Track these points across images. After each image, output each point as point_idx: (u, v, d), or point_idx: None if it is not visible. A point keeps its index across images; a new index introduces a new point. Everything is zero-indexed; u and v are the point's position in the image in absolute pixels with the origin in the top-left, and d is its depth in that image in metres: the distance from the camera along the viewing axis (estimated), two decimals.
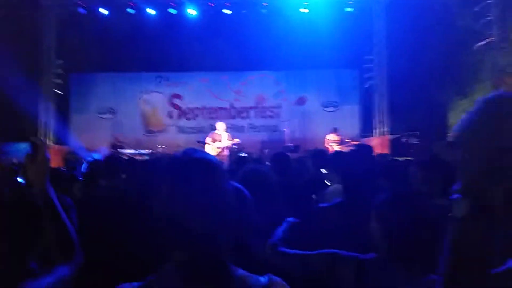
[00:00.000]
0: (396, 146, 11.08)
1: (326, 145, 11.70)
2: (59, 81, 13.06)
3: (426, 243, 1.60)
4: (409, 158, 7.47)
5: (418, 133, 11.10)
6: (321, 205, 2.53)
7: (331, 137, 11.90)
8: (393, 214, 1.65)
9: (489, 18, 11.14)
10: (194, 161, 1.13)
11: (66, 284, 1.46)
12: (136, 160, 5.09)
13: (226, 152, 10.81)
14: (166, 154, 11.08)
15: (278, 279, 1.16)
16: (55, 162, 9.85)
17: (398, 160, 5.84)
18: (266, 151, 11.83)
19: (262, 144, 13.26)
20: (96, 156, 6.20)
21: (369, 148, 2.64)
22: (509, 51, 11.25)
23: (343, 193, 2.48)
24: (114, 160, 4.12)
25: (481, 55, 11.98)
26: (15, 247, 1.45)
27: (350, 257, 1.68)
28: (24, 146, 9.81)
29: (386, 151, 11.11)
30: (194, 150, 1.20)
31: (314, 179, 3.83)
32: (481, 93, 12.85)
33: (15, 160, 7.36)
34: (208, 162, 1.15)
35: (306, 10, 13.07)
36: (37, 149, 1.55)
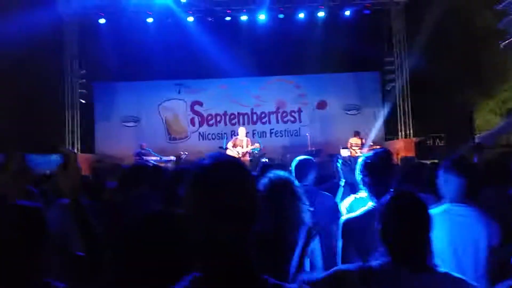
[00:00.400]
0: (421, 148, 10.89)
1: (349, 148, 11.61)
2: (83, 90, 13.36)
3: (422, 242, 1.59)
4: (435, 161, 7.33)
5: (444, 135, 10.88)
6: (348, 217, 2.49)
7: (354, 140, 11.81)
8: (389, 216, 1.65)
9: (511, 17, 10.87)
10: (223, 165, 1.09)
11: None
12: (162, 167, 5.14)
13: (247, 157, 10.84)
14: (190, 161, 11.20)
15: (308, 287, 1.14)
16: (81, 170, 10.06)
17: (425, 163, 5.73)
18: (288, 156, 11.79)
19: (284, 149, 13.22)
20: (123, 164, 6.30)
21: (387, 153, 2.59)
22: None
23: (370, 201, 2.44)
24: (140, 169, 4.17)
25: (504, 54, 11.69)
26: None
27: (354, 270, 1.63)
28: (55, 157, 10.08)
29: (411, 153, 10.93)
30: (221, 154, 1.16)
31: (337, 184, 3.78)
32: (508, 93, 12.56)
33: (47, 172, 7.58)
34: (238, 166, 1.11)
35: (323, 14, 13.03)
36: (69, 160, 1.58)
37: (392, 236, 1.62)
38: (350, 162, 3.44)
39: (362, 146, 11.53)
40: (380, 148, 2.90)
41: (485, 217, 2.34)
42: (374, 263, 1.61)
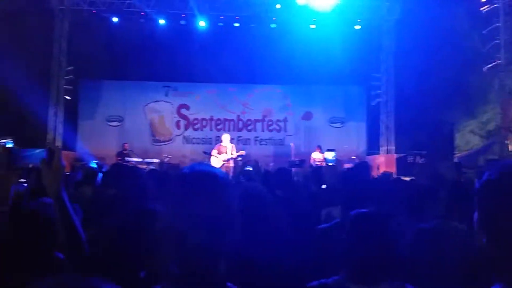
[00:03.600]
0: (402, 164, 11.04)
1: (311, 163, 11.68)
2: (69, 87, 13.20)
3: (383, 260, 1.63)
4: (413, 178, 7.45)
5: (425, 152, 11.07)
6: (320, 226, 2.54)
7: (316, 155, 11.88)
8: (353, 233, 1.70)
9: (497, 41, 11.19)
10: (201, 176, 1.13)
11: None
12: (142, 170, 5.13)
13: (231, 164, 10.84)
14: (172, 164, 11.15)
15: None
16: None
17: (402, 179, 5.83)
18: (271, 164, 11.84)
19: (267, 157, 13.27)
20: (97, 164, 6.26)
21: (366, 166, 2.66)
22: None
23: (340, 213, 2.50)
24: (119, 169, 4.16)
25: (489, 77, 12.01)
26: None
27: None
28: (39, 151, 9.97)
29: (392, 169, 11.07)
30: (202, 165, 1.19)
31: (316, 195, 3.84)
32: (489, 115, 12.88)
33: (30, 165, 7.50)
34: (215, 178, 1.14)
35: (314, 26, 13.20)
36: (53, 155, 1.59)
37: (347, 252, 1.67)
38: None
39: (324, 160, 11.60)
40: (358, 162, 2.98)
41: (466, 233, 2.42)
42: (330, 279, 1.65)
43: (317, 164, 11.31)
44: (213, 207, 1.08)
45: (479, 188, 1.06)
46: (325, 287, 1.64)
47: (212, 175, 1.15)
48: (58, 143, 12.69)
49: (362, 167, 2.60)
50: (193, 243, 1.06)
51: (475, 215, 1.08)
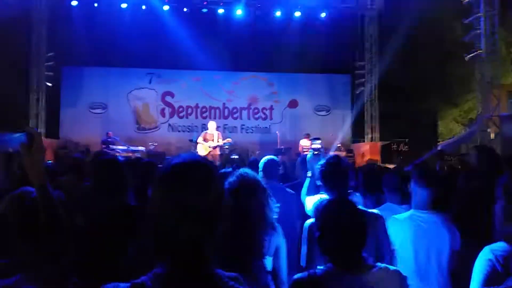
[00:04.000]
0: (386, 152, 11.21)
1: (300, 150, 11.76)
2: (50, 73, 12.91)
3: (358, 245, 1.70)
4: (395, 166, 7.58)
5: (408, 140, 11.25)
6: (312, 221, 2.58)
7: (304, 142, 11.95)
8: (324, 223, 1.76)
9: (478, 31, 11.35)
10: (189, 166, 1.13)
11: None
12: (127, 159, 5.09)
13: (218, 152, 10.83)
14: (158, 152, 11.08)
15: None
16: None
17: (385, 168, 5.92)
18: (257, 152, 11.87)
19: (253, 145, 13.30)
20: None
21: (337, 158, 2.73)
22: (498, 63, 11.48)
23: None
24: (101, 158, 4.11)
25: (470, 66, 12.20)
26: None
27: (304, 278, 1.70)
28: (18, 135, 9.74)
29: (377, 157, 11.24)
30: (190, 155, 1.19)
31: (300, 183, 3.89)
32: (470, 103, 13.12)
33: (10, 150, 7.35)
34: (205, 167, 1.14)
35: (299, 14, 13.16)
36: (33, 139, 1.56)
37: (328, 242, 1.72)
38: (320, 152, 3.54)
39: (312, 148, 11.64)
40: (331, 154, 3.04)
41: (448, 223, 2.49)
42: (319, 270, 1.70)
43: (305, 152, 11.37)
44: (204, 198, 1.08)
45: (506, 182, 1.09)
46: (314, 277, 1.67)
47: (202, 165, 1.14)
48: (41, 130, 12.46)
49: (335, 160, 2.67)
50: (183, 236, 1.06)
51: (498, 206, 1.12)
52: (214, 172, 1.15)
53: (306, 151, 11.30)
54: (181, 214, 1.05)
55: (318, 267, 1.72)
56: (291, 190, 3.58)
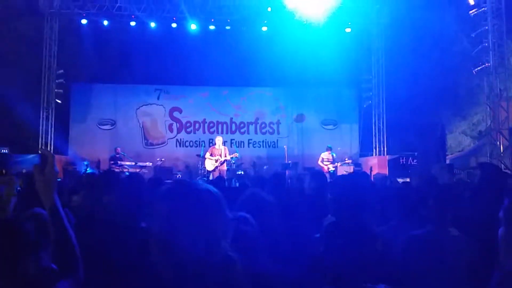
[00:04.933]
0: (394, 166, 11.12)
1: (319, 163, 11.74)
2: (59, 90, 13.10)
3: (361, 265, 1.64)
4: (407, 180, 7.52)
5: (416, 153, 11.16)
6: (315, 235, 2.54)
7: (325, 155, 11.94)
8: (331, 238, 1.72)
9: (485, 44, 11.34)
10: (193, 192, 1.15)
11: None
12: (133, 175, 5.10)
13: (225, 167, 10.84)
14: (165, 168, 11.10)
15: None
16: None
17: (397, 182, 5.88)
18: (265, 167, 11.85)
19: (261, 159, 13.28)
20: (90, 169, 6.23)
21: (365, 175, 2.69)
22: (505, 76, 11.43)
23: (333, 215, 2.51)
24: (110, 175, 4.13)
25: (478, 79, 12.16)
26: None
27: None
28: (32, 157, 9.90)
29: (385, 170, 11.15)
30: (191, 182, 1.21)
31: (312, 198, 3.85)
32: (479, 116, 13.02)
33: (24, 171, 7.46)
34: (207, 194, 1.17)
35: (306, 29, 13.24)
36: (46, 161, 1.57)
37: (330, 256, 1.68)
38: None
39: (333, 161, 11.68)
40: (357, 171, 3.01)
41: (463, 237, 2.45)
42: None
43: (325, 165, 11.40)
44: (207, 221, 1.10)
45: (508, 206, 1.08)
46: None
47: (204, 192, 1.17)
48: (50, 147, 12.59)
49: (360, 177, 2.63)
50: (188, 255, 1.07)
51: (502, 231, 1.10)
52: (218, 198, 1.18)
53: (327, 165, 11.32)
54: (187, 235, 1.08)
55: None
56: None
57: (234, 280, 1.11)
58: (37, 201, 1.63)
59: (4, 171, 8.40)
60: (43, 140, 12.51)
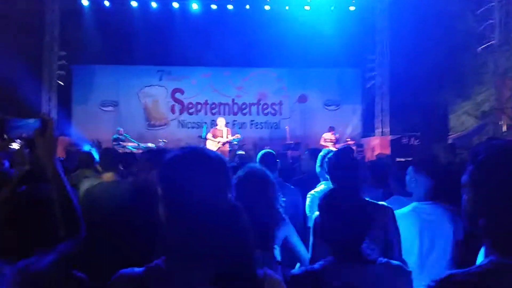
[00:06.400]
0: (396, 146, 11.10)
1: (322, 143, 11.72)
2: (61, 72, 13.08)
3: (360, 237, 1.66)
4: (409, 159, 7.50)
5: (419, 133, 11.13)
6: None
7: (327, 135, 11.92)
8: (325, 213, 1.73)
9: (491, 21, 11.15)
10: (201, 157, 1.17)
11: (68, 261, 1.49)
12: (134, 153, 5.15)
13: (227, 148, 10.86)
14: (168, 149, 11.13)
15: (271, 272, 1.19)
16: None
17: (400, 161, 5.87)
18: (267, 147, 11.85)
19: (263, 141, 13.29)
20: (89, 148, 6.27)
21: (350, 150, 2.71)
22: (510, 54, 11.27)
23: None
24: (110, 153, 4.16)
25: (483, 58, 12.00)
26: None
27: (301, 275, 1.66)
28: (32, 122, 9.93)
29: (387, 151, 11.14)
30: (199, 148, 1.23)
31: (309, 176, 3.87)
32: (483, 96, 12.91)
33: (24, 134, 7.57)
34: (217, 160, 1.19)
35: (309, 8, 13.07)
36: (47, 125, 1.59)
37: (328, 231, 1.69)
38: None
39: (336, 141, 11.66)
40: (343, 145, 3.05)
41: (451, 213, 2.47)
42: (317, 264, 1.67)
43: (327, 145, 11.36)
44: (214, 175, 1.14)
45: (473, 170, 1.09)
46: (311, 271, 1.64)
47: (218, 158, 1.20)
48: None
49: (346, 151, 2.64)
50: (197, 205, 1.10)
51: (467, 195, 1.11)
52: (223, 161, 1.22)
53: (329, 145, 11.32)
54: (193, 201, 1.10)
55: (320, 261, 1.70)
56: (291, 186, 3.57)
57: (242, 225, 1.14)
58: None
59: (5, 136, 8.46)
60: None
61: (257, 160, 3.57)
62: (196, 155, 1.17)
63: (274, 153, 3.66)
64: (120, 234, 2.19)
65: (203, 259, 1.10)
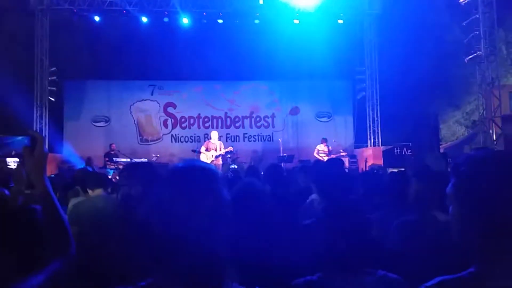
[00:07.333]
0: (389, 157, 11.17)
1: (315, 155, 11.76)
2: (52, 88, 13.02)
3: (357, 248, 1.67)
4: (402, 169, 7.55)
5: (411, 144, 11.22)
6: (304, 222, 2.57)
7: (321, 147, 11.97)
8: (328, 225, 1.74)
9: (476, 32, 11.37)
10: (194, 170, 1.18)
11: (58, 281, 1.47)
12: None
13: (220, 161, 10.85)
14: (161, 164, 11.09)
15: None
16: (48, 169, 9.81)
17: (393, 172, 5.91)
18: (263, 162, 11.86)
19: (256, 153, 13.29)
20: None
21: (340, 161, 2.72)
22: (497, 64, 11.48)
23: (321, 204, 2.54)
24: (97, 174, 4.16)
25: (470, 68, 12.20)
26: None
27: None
28: (21, 138, 9.83)
29: (379, 161, 11.20)
30: (193, 160, 1.24)
31: (302, 189, 3.88)
32: (473, 105, 13.10)
33: (13, 152, 7.51)
34: (208, 171, 1.19)
35: (298, 22, 13.23)
36: (36, 142, 1.56)
37: (326, 243, 1.70)
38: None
39: (329, 153, 11.70)
40: (333, 157, 3.06)
41: (445, 224, 2.46)
42: (316, 276, 1.68)
43: (321, 157, 11.38)
44: (205, 200, 1.12)
45: (455, 182, 1.11)
46: (311, 284, 1.65)
47: (205, 168, 1.19)
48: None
49: (335, 162, 2.65)
50: (185, 237, 1.08)
51: (452, 208, 1.13)
52: (216, 175, 1.21)
53: (323, 157, 11.35)
54: (187, 212, 1.09)
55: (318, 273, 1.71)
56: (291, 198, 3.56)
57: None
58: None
59: None
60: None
61: (264, 172, 3.55)
62: (188, 176, 1.17)
63: (282, 166, 3.65)
64: (108, 247, 2.17)
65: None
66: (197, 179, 1.15)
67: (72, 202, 3.66)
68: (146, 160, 11.42)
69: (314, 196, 3.15)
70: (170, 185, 1.15)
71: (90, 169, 4.89)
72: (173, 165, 1.21)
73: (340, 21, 13.40)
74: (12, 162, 8.80)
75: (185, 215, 1.10)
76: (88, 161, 10.48)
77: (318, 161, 9.43)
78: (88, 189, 3.72)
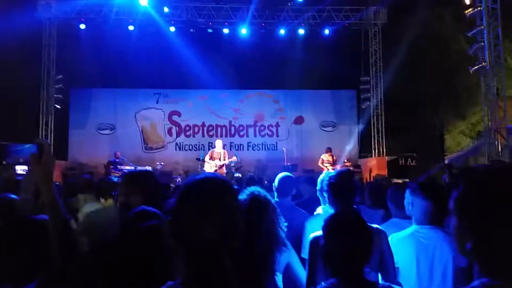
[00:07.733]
0: (393, 167, 11.13)
1: (319, 164, 11.73)
2: (59, 96, 13.13)
3: (362, 259, 1.67)
4: (406, 180, 7.53)
5: (415, 154, 11.18)
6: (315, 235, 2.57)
7: (326, 157, 11.93)
8: (328, 235, 1.74)
9: (481, 43, 11.38)
10: (207, 181, 1.20)
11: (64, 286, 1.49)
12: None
13: (224, 170, 10.84)
14: (165, 172, 11.11)
15: None
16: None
17: (397, 183, 5.88)
18: (267, 172, 11.83)
19: (260, 162, 13.28)
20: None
21: (349, 173, 2.70)
22: (503, 75, 11.46)
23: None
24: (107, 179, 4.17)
25: (475, 79, 12.18)
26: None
27: None
28: (28, 147, 9.90)
29: (384, 172, 11.16)
30: (208, 173, 1.28)
31: (305, 201, 3.86)
32: (478, 116, 13.05)
33: (21, 160, 7.56)
34: (221, 183, 1.22)
35: (303, 32, 13.31)
36: (43, 150, 1.58)
37: (331, 255, 1.70)
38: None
39: (333, 162, 11.66)
40: (343, 168, 3.03)
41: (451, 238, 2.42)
42: (321, 286, 1.67)
43: (325, 167, 11.34)
44: (222, 213, 1.15)
45: (457, 197, 1.12)
46: None
47: (223, 182, 1.23)
48: None
49: (346, 174, 2.64)
50: (202, 244, 1.11)
51: (454, 221, 1.13)
52: (231, 186, 1.25)
53: (327, 167, 11.31)
54: (202, 222, 1.12)
55: (322, 283, 1.70)
56: (302, 210, 3.53)
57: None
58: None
59: (4, 162, 8.43)
60: None
61: (275, 183, 3.52)
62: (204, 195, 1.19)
63: (293, 176, 3.61)
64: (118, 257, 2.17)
65: None
66: (213, 192, 1.18)
67: (85, 209, 3.64)
68: (150, 168, 11.46)
69: (320, 209, 3.13)
70: (187, 197, 1.17)
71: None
72: (191, 178, 1.24)
73: (345, 32, 13.45)
74: (21, 170, 8.84)
75: (201, 226, 1.12)
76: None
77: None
78: (101, 198, 3.72)
